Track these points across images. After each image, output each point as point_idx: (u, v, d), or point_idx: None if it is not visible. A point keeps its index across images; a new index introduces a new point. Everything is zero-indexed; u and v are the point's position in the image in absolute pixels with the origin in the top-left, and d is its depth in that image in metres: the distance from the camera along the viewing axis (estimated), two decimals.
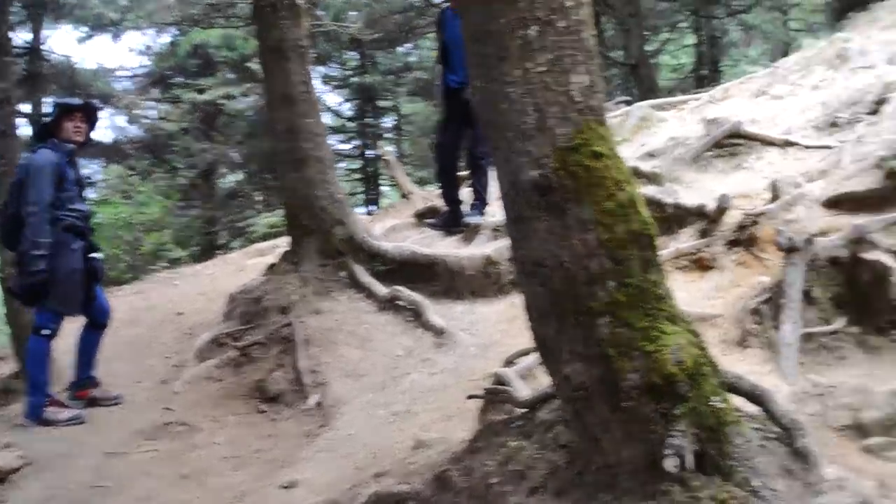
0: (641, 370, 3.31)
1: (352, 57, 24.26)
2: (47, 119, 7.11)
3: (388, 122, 26.92)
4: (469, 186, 8.92)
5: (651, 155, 9.14)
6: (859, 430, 4.43)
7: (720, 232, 6.65)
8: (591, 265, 3.36)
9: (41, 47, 15.85)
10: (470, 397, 5.14)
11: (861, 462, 4.10)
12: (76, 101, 7.46)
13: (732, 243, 6.51)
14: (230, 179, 23.69)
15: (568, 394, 3.54)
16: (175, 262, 16.68)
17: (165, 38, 22.44)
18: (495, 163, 3.71)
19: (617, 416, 3.37)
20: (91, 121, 7.09)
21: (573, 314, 3.41)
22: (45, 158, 6.62)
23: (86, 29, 20.89)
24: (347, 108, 25.63)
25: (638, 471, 3.37)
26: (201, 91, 20.38)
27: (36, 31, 15.54)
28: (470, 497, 3.88)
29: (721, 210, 6.77)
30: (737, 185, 7.48)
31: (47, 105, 13.42)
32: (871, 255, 5.44)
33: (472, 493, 3.88)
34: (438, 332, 6.83)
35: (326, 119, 21.72)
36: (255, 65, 17.66)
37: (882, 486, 3.58)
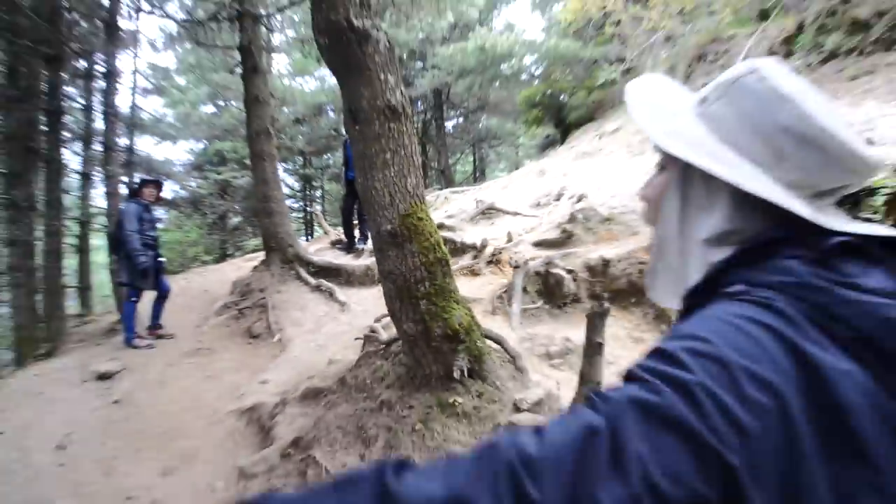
0: (442, 327, 3.30)
1: (299, 159, 23.70)
2: (135, 187, 6.78)
3: (318, 193, 26.28)
4: (358, 229, 8.78)
5: (450, 216, 9.19)
6: (548, 356, 4.52)
7: (483, 256, 6.72)
8: (416, 274, 3.35)
9: (134, 147, 14.84)
10: (357, 339, 5.03)
11: (550, 372, 4.19)
12: (151, 177, 7.07)
13: (489, 262, 6.59)
14: (235, 220, 22.65)
15: (405, 338, 3.49)
16: (205, 263, 15.85)
17: (200, 145, 21.52)
18: (367, 220, 3.63)
19: (430, 349, 3.34)
20: (159, 188, 6.76)
21: (408, 298, 3.37)
22: (132, 207, 6.34)
23: (157, 138, 19.79)
24: (296, 185, 24.90)
25: (441, 377, 3.35)
26: (219, 173, 19.54)
27: (131, 138, 14.52)
28: (356, 389, 3.79)
29: (483, 245, 6.87)
30: (491, 233, 7.60)
31: (136, 179, 12.56)
32: (555, 270, 5.59)
33: (357, 387, 3.80)
34: (342, 304, 6.62)
35: (285, 190, 21.29)
36: (248, 161, 17.24)
37: (559, 384, 3.67)
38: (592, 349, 2.85)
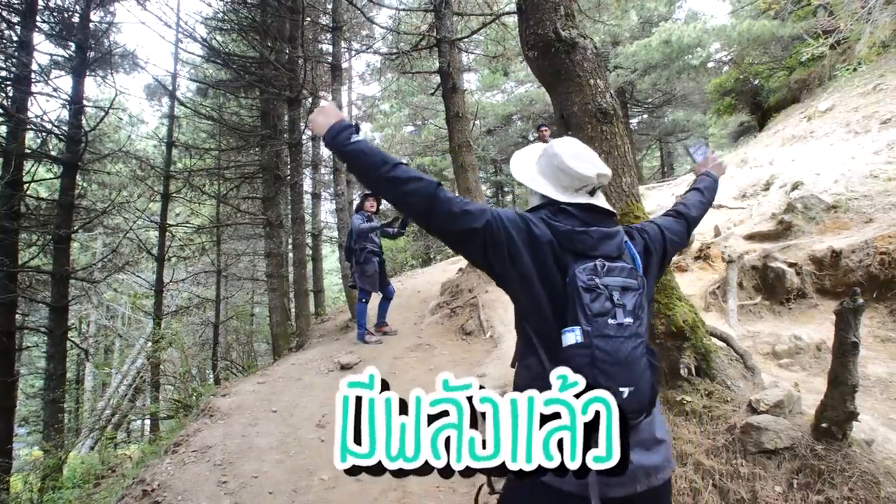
0: (665, 324, 3.16)
1: (490, 168, 24.25)
2: (358, 201, 7.35)
3: (508, 199, 26.64)
4: None
5: (648, 213, 8.73)
6: (775, 355, 4.08)
7: (689, 252, 6.28)
8: None
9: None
10: None
11: (778, 372, 3.79)
12: (370, 191, 7.52)
13: (696, 258, 6.15)
14: None
15: None
16: (413, 267, 16.92)
17: (404, 161, 23.01)
18: None
19: (654, 346, 3.21)
20: (379, 200, 7.28)
21: None
22: (358, 220, 6.91)
23: None
24: (489, 192, 25.49)
25: (666, 375, 3.19)
26: None
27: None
28: None
29: (689, 241, 6.41)
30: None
31: (356, 195, 13.93)
32: (774, 264, 5.05)
33: None
34: None
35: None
36: (449, 174, 18.00)
37: (795, 385, 3.29)
38: (845, 349, 2.51)
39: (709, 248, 6.04)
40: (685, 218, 1.94)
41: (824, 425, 2.55)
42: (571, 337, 1.41)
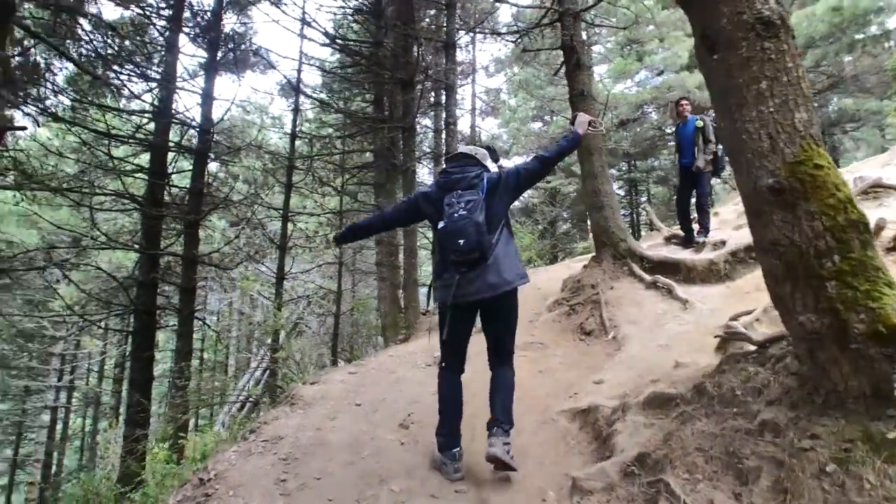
0: (867, 321, 2.10)
1: (623, 165, 22.59)
2: None
3: (643, 198, 24.73)
4: (697, 222, 7.53)
5: None
6: None
7: (879, 242, 4.86)
8: (818, 244, 2.23)
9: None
10: (716, 336, 3.96)
11: None
12: None
13: (889, 249, 4.75)
14: (564, 226, 22.63)
15: (802, 335, 2.33)
16: (536, 265, 16.14)
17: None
18: (735, 176, 2.61)
19: (845, 354, 2.16)
20: None
21: (805, 279, 2.26)
22: None
23: None
24: (621, 190, 23.73)
25: (863, 397, 2.13)
26: (549, 182, 19.79)
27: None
28: (720, 402, 2.73)
29: (879, 227, 4.97)
30: (881, 215, 5.53)
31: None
32: None
33: (722, 399, 2.74)
34: (683, 302, 5.58)
35: None
36: (574, 169, 16.96)
37: None
38: None
39: None
40: (539, 157, 3.42)
41: None
42: (441, 224, 3.18)
